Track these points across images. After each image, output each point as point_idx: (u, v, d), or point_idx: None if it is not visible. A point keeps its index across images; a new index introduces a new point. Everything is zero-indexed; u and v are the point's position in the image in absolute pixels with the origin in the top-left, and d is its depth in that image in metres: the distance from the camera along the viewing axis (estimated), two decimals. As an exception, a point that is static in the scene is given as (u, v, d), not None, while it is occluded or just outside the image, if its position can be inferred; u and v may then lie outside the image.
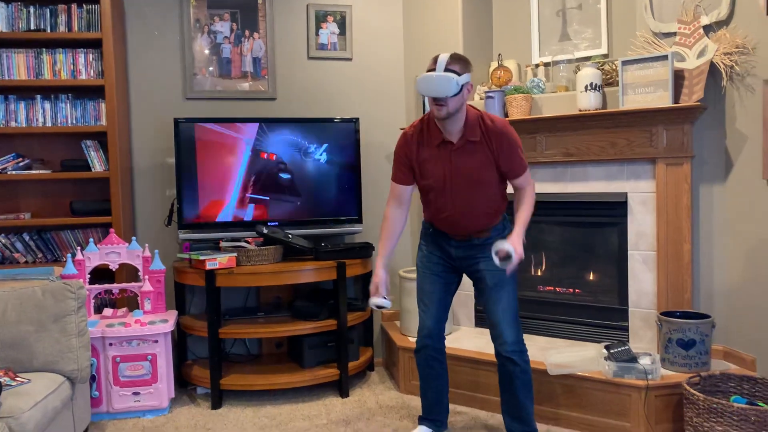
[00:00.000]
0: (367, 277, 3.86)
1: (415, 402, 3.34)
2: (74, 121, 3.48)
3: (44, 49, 3.41)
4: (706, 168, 3.06)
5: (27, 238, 3.48)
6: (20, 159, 3.45)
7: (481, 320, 3.68)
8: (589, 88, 3.14)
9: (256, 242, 3.50)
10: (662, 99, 2.98)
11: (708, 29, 2.98)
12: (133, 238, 3.40)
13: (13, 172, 3.40)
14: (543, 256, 3.59)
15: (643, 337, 3.17)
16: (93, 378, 3.13)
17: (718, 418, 2.43)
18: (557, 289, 3.53)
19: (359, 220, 3.77)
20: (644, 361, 2.84)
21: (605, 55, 3.42)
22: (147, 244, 3.47)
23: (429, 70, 2.43)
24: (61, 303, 2.71)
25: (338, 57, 3.95)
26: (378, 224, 4.04)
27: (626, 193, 3.18)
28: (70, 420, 2.69)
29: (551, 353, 3.01)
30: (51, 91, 3.50)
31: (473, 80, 3.56)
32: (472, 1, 3.70)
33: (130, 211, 3.66)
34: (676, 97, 3.00)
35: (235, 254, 3.37)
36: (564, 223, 3.48)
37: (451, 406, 3.20)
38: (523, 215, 2.54)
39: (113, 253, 3.33)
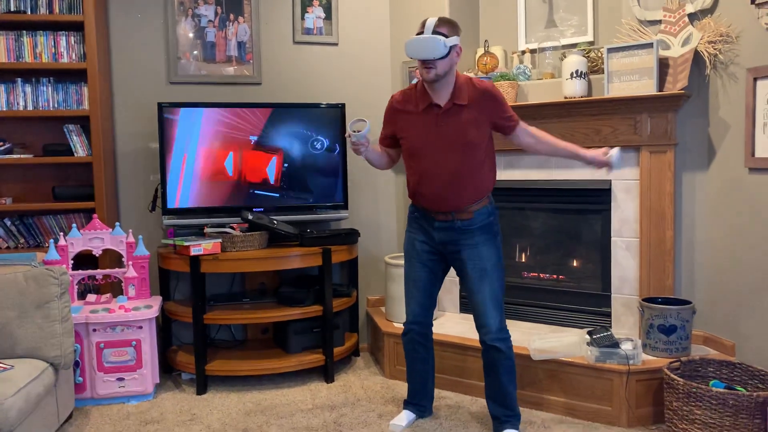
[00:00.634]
0: (353, 263, 3.86)
1: (400, 387, 3.36)
2: (56, 105, 3.43)
3: (25, 32, 3.36)
4: (689, 156, 3.09)
5: (9, 223, 3.44)
6: (1, 143, 3.41)
7: (465, 306, 3.70)
8: (574, 75, 3.15)
9: (241, 228, 3.49)
10: (647, 87, 2.99)
11: (693, 17, 3.00)
12: (117, 223, 3.38)
13: (-6, 157, 3.35)
14: (527, 243, 3.62)
15: (626, 322, 3.21)
16: (77, 364, 3.12)
17: (698, 402, 2.48)
18: (541, 275, 3.56)
19: (345, 207, 3.76)
20: (626, 347, 2.87)
21: (591, 43, 3.43)
22: (131, 230, 3.44)
23: (418, 34, 2.47)
24: (44, 289, 2.69)
25: (324, 42, 3.92)
26: (363, 211, 4.04)
27: (610, 181, 3.20)
28: (53, 406, 2.68)
29: (534, 339, 3.04)
30: (32, 74, 3.45)
31: (461, 67, 3.56)
32: (458, -13, 3.68)
33: (113, 196, 3.63)
34: (661, 85, 3.01)
35: (220, 240, 3.36)
36: (548, 209, 3.51)
37: (436, 391, 3.22)
38: (568, 144, 2.68)
39: (96, 238, 3.31)
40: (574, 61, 3.15)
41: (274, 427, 2.90)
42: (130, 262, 3.35)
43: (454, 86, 2.53)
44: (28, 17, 3.30)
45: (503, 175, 3.48)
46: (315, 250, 3.42)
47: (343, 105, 3.71)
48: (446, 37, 2.43)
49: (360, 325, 3.99)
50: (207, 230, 3.47)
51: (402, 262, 3.44)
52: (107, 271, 3.37)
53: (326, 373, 3.47)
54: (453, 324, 3.53)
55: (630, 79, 3.04)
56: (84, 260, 3.49)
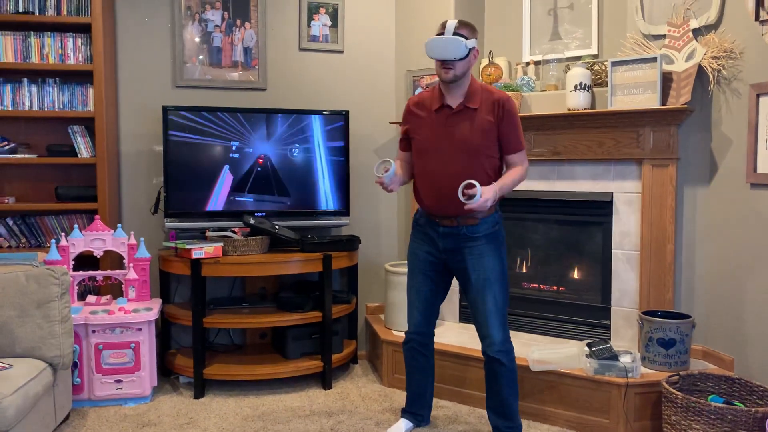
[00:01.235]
0: (353, 270, 3.87)
1: (398, 395, 3.36)
2: (61, 106, 3.44)
3: (32, 33, 3.38)
4: (691, 170, 3.10)
5: (11, 222, 3.45)
6: (5, 143, 3.42)
7: (465, 315, 3.70)
8: (578, 87, 3.16)
9: (243, 232, 3.50)
10: (650, 100, 3.01)
11: (697, 33, 3.01)
12: (119, 225, 3.38)
13: (-2, 156, 3.36)
14: (528, 254, 3.62)
15: (625, 335, 3.21)
16: (75, 365, 3.11)
17: (696, 417, 2.47)
18: (541, 286, 3.56)
19: (346, 213, 3.77)
20: (625, 360, 2.87)
21: (595, 56, 3.44)
22: (132, 232, 3.45)
23: (438, 34, 2.51)
24: (45, 289, 2.69)
25: (329, 49, 3.94)
26: (365, 217, 4.05)
27: (612, 193, 3.21)
28: (51, 406, 2.68)
29: (533, 350, 3.04)
30: (38, 75, 3.47)
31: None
32: (464, -2, 3.71)
33: (116, 198, 3.64)
34: (664, 99, 3.03)
35: (222, 244, 3.36)
36: (550, 221, 3.51)
37: (434, 400, 3.22)
38: (509, 176, 2.59)
39: (98, 239, 3.31)
40: (578, 74, 3.17)
41: (271, 433, 2.90)
42: (131, 264, 3.35)
43: (468, 89, 2.57)
44: (36, 18, 3.33)
45: (505, 185, 3.49)
46: (315, 255, 3.42)
47: (347, 112, 3.72)
48: (466, 39, 2.48)
49: (359, 332, 3.99)
50: (209, 234, 3.48)
51: (402, 270, 3.46)
52: (108, 272, 3.37)
53: (324, 379, 3.47)
54: (452, 333, 3.53)
55: (633, 92, 3.06)
56: (85, 261, 3.49)
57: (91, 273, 3.33)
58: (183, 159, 3.49)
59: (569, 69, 3.27)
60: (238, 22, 3.78)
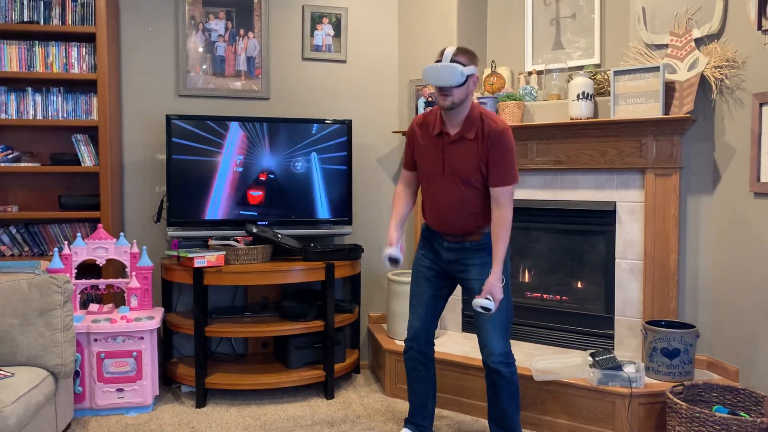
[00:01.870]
0: (355, 279, 3.86)
1: (401, 405, 3.34)
2: (65, 115, 3.46)
3: (37, 42, 3.39)
4: (694, 179, 3.10)
5: (14, 231, 3.45)
6: (9, 151, 3.43)
7: (468, 325, 3.69)
8: (581, 96, 3.17)
9: (245, 241, 3.50)
10: (653, 110, 3.01)
11: (699, 42, 3.02)
12: (121, 233, 3.39)
13: (2, 164, 3.37)
14: (531, 263, 3.61)
15: (628, 345, 3.20)
16: (77, 373, 3.10)
17: (701, 427, 2.45)
18: (544, 295, 3.55)
19: (349, 222, 3.77)
20: (629, 369, 2.86)
21: (598, 65, 3.45)
22: (135, 241, 3.45)
23: (436, 61, 2.49)
24: (47, 297, 2.69)
25: (333, 59, 3.96)
26: (368, 226, 4.04)
27: (615, 202, 3.21)
28: (52, 415, 2.67)
29: (537, 359, 3.03)
30: (42, 84, 3.48)
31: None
32: (466, 8, 3.72)
33: (118, 206, 3.64)
34: (667, 108, 3.03)
35: (224, 253, 3.36)
36: (553, 230, 3.51)
37: (437, 410, 3.20)
38: (500, 251, 2.51)
39: (101, 248, 3.31)
40: (581, 83, 3.17)
41: (272, 443, 2.89)
42: (134, 273, 3.35)
43: (466, 118, 2.53)
44: (41, 27, 3.34)
45: (508, 194, 3.49)
46: (318, 264, 3.42)
47: (350, 121, 3.73)
48: (464, 66, 2.45)
49: (361, 341, 3.98)
50: (211, 242, 3.48)
51: (405, 279, 3.45)
52: (110, 281, 3.37)
53: (326, 389, 3.46)
54: (455, 343, 3.52)
55: (636, 101, 3.06)
56: (87, 270, 3.49)
57: (93, 281, 3.33)
58: (186, 168, 3.49)
59: (572, 78, 3.28)
60: (242, 31, 3.80)
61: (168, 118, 3.47)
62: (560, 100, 3.40)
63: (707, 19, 3.00)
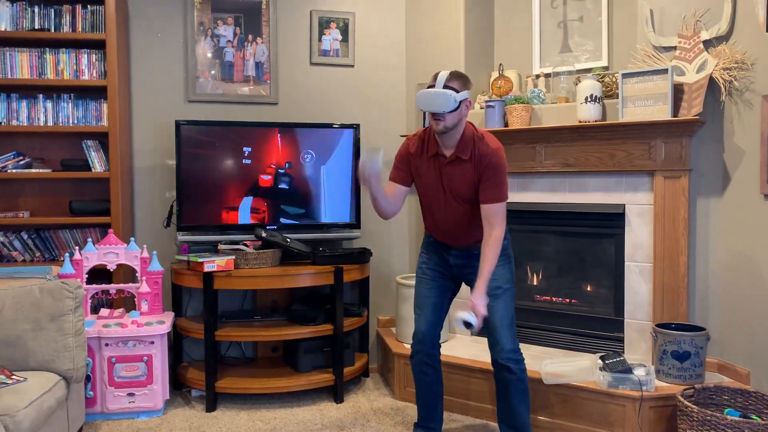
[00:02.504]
0: (364, 283, 3.87)
1: (410, 409, 3.34)
2: (75, 121, 3.48)
3: (47, 49, 3.43)
4: (703, 181, 3.09)
5: (25, 236, 3.48)
6: (21, 158, 3.46)
7: (477, 328, 3.68)
8: (589, 99, 3.17)
9: (255, 245, 3.51)
10: (661, 112, 3.00)
11: (708, 44, 3.01)
12: (132, 238, 3.41)
13: (14, 171, 3.40)
14: (540, 266, 3.61)
15: (638, 348, 3.19)
16: (88, 378, 3.12)
17: (712, 431, 2.44)
18: (554, 298, 3.54)
19: (357, 226, 3.78)
20: (639, 372, 2.85)
21: (606, 68, 3.45)
22: (145, 245, 3.47)
23: (429, 86, 2.50)
24: (59, 302, 2.71)
25: (340, 63, 3.97)
26: (376, 230, 4.05)
27: (624, 205, 3.20)
28: (64, 419, 2.69)
29: (546, 362, 3.02)
30: (53, 91, 3.51)
31: (475, 90, 3.59)
32: (474, 11, 3.73)
33: (129, 211, 3.66)
34: (675, 110, 3.02)
35: (234, 257, 3.37)
36: (561, 233, 3.50)
37: (446, 414, 3.20)
38: (487, 270, 2.51)
39: (111, 253, 3.34)
40: (589, 86, 3.17)
41: (282, 446, 2.89)
42: (144, 278, 3.37)
43: (460, 139, 2.55)
44: (52, 35, 3.37)
45: (516, 197, 3.49)
46: (327, 268, 3.43)
47: (358, 126, 3.74)
48: (457, 91, 2.45)
49: (370, 345, 3.98)
50: (221, 247, 3.49)
51: (413, 282, 3.45)
52: (121, 285, 3.39)
53: (336, 393, 3.46)
54: (464, 347, 3.51)
55: (644, 104, 3.06)
56: (98, 275, 3.51)
57: (104, 286, 3.35)
58: (195, 173, 3.51)
59: (580, 81, 3.27)
60: (250, 37, 3.82)
61: (177, 124, 3.49)
62: (568, 102, 3.40)
63: (715, 20, 2.99)
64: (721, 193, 3.05)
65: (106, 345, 3.13)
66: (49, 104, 3.45)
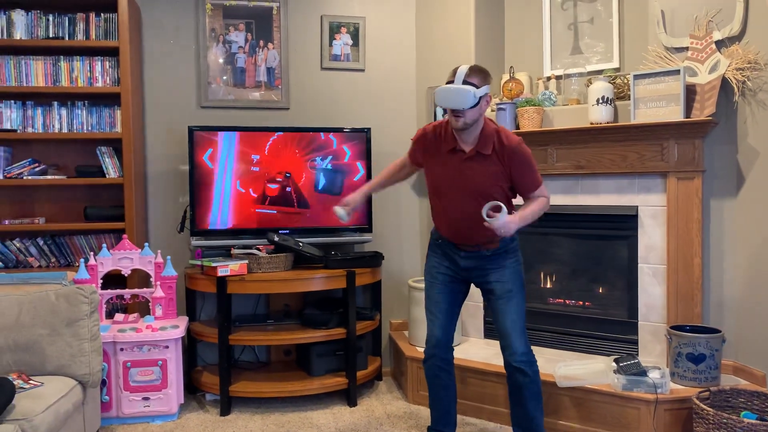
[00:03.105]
0: (376, 286, 3.87)
1: (423, 412, 3.34)
2: (90, 128, 3.52)
3: (62, 57, 3.47)
4: (717, 182, 3.07)
5: (41, 242, 3.52)
6: (36, 164, 3.50)
7: (489, 331, 3.68)
8: (600, 101, 3.16)
9: (267, 250, 3.53)
10: (674, 113, 2.99)
11: (720, 44, 3.00)
12: (146, 244, 3.43)
13: (29, 177, 3.44)
14: (553, 269, 3.59)
15: (653, 350, 3.17)
16: (103, 383, 3.15)
17: (728, 434, 2.43)
18: (567, 301, 3.53)
19: (369, 230, 3.78)
20: (653, 375, 2.83)
21: (617, 69, 3.44)
22: (159, 251, 3.50)
23: (448, 82, 2.48)
24: (75, 307, 2.74)
25: (351, 68, 3.99)
26: (387, 234, 4.06)
27: (637, 207, 3.19)
28: (80, 424, 2.71)
29: (560, 365, 3.01)
30: (68, 98, 3.55)
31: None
32: (484, 14, 3.73)
33: (143, 217, 3.69)
34: (688, 111, 3.01)
35: (247, 261, 3.39)
36: (574, 235, 3.49)
37: (460, 417, 3.20)
38: (529, 207, 2.56)
39: (126, 258, 3.36)
40: (600, 88, 3.16)
41: (296, 450, 2.90)
42: (158, 282, 3.39)
43: (480, 134, 2.54)
44: (66, 43, 3.41)
45: (528, 200, 3.48)
46: (339, 272, 3.44)
47: (369, 129, 3.75)
48: (476, 87, 2.43)
49: (383, 348, 3.99)
50: (234, 251, 3.51)
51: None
52: (135, 290, 3.41)
53: (349, 396, 3.47)
54: (477, 349, 3.51)
55: (656, 105, 3.04)
56: (113, 280, 3.54)
57: (119, 291, 3.38)
58: (208, 178, 3.54)
59: (591, 83, 3.27)
60: (261, 42, 3.84)
61: (190, 130, 3.51)
62: (580, 104, 3.39)
63: (728, 20, 2.97)
64: (735, 195, 3.03)
65: (121, 349, 3.16)
66: (63, 111, 3.49)
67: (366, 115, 4.03)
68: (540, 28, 3.70)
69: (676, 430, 2.77)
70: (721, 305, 3.08)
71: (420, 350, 3.52)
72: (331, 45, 3.94)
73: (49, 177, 3.48)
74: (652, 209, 3.15)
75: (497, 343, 2.69)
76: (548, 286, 3.61)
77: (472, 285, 2.81)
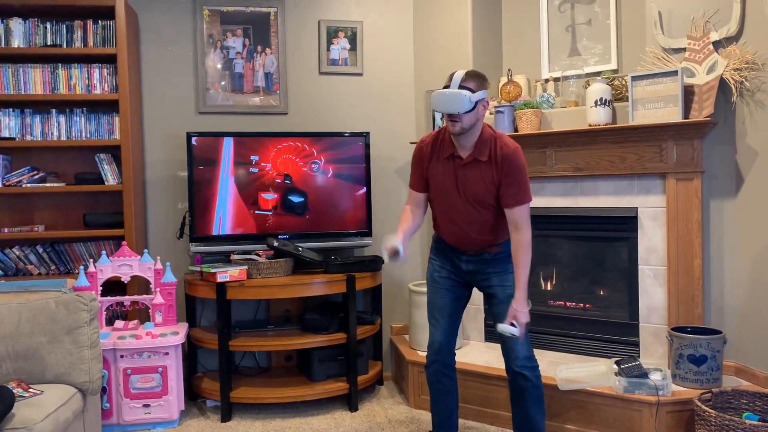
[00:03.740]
0: (376, 291, 3.87)
1: (424, 417, 3.33)
2: (88, 135, 3.52)
3: (60, 64, 3.47)
4: (716, 183, 3.06)
5: (40, 250, 3.52)
6: (35, 172, 3.50)
7: (490, 335, 3.67)
8: (598, 103, 3.15)
9: (267, 255, 3.52)
10: (672, 114, 2.99)
11: (718, 45, 2.99)
12: (145, 250, 3.43)
13: (28, 185, 3.44)
14: (553, 271, 3.59)
15: (654, 352, 3.16)
16: (104, 390, 3.14)
17: (731, 435, 2.42)
18: (567, 303, 3.52)
19: (369, 234, 3.78)
20: (655, 377, 2.82)
21: (615, 71, 3.44)
22: (159, 257, 3.49)
23: (445, 87, 2.46)
24: (74, 315, 2.73)
25: (349, 72, 3.99)
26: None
27: (636, 208, 3.18)
28: (81, 432, 2.70)
29: (561, 368, 3.00)
30: (66, 105, 3.56)
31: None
32: (482, 17, 3.73)
33: (142, 223, 3.69)
34: (686, 112, 3.01)
35: (246, 267, 3.39)
36: (574, 237, 3.48)
37: (461, 421, 3.19)
38: (523, 276, 2.52)
39: (125, 265, 3.36)
40: (598, 89, 3.16)
41: (298, 456, 2.89)
42: (158, 289, 3.39)
43: (478, 141, 2.52)
44: (64, 50, 3.42)
45: (528, 202, 3.48)
46: (339, 277, 3.43)
47: (368, 133, 3.75)
48: (472, 91, 2.41)
49: (384, 353, 3.98)
50: (233, 257, 3.51)
51: (426, 289, 3.44)
52: (135, 297, 3.41)
53: (350, 401, 3.46)
54: (478, 353, 3.50)
55: (655, 106, 3.04)
56: (112, 287, 3.54)
57: (118, 298, 3.37)
58: (207, 184, 3.54)
59: (589, 85, 3.26)
60: (259, 48, 3.85)
61: (189, 136, 3.51)
62: (578, 106, 3.39)
63: (725, 21, 2.97)
64: (734, 195, 3.02)
65: (122, 357, 3.15)
66: (62, 119, 3.49)
67: (364, 119, 4.03)
68: (537, 31, 3.71)
69: (678, 432, 2.76)
70: (722, 306, 3.07)
71: (421, 354, 3.51)
72: (328, 49, 3.94)
73: (48, 184, 3.48)
74: (651, 210, 3.15)
75: (498, 346, 2.69)
76: (549, 288, 3.61)
77: (474, 289, 2.81)
